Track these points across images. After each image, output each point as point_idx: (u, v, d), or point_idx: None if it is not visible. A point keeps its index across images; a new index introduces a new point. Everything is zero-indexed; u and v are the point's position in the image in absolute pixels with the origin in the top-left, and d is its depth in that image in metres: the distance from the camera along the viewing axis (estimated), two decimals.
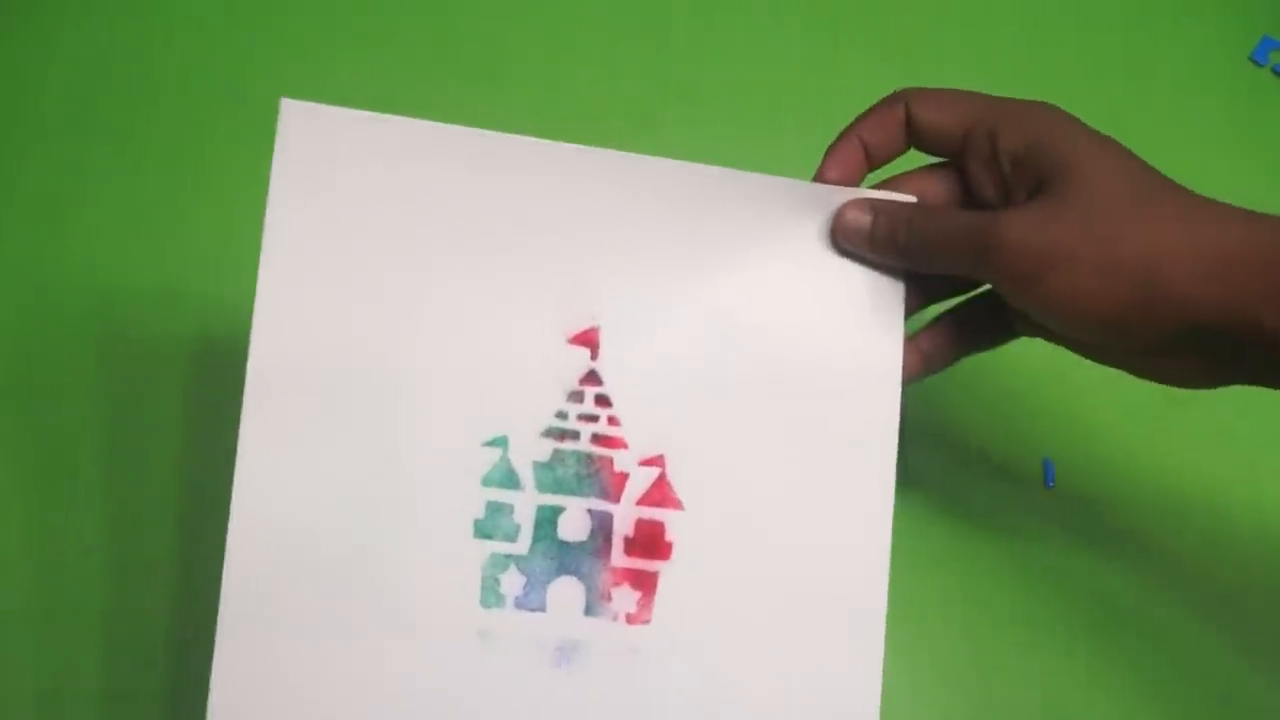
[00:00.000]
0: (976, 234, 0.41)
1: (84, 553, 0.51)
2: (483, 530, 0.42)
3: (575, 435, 0.43)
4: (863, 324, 0.44)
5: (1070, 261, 0.39)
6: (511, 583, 0.42)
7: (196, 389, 0.55)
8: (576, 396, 0.43)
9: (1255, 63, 0.64)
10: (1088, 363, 0.43)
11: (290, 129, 0.41)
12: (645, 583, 0.43)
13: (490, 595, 0.42)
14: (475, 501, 0.42)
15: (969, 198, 0.44)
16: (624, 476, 0.43)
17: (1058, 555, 0.55)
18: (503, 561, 0.42)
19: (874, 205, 0.44)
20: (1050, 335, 0.43)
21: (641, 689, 0.42)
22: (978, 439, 0.55)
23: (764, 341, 0.44)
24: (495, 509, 0.42)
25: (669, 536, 0.43)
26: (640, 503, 0.43)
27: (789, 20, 0.64)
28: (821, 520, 0.43)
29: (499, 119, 0.44)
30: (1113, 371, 0.42)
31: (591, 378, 0.43)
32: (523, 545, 0.42)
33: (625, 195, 0.43)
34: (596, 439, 0.43)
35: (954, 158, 0.44)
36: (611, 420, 0.43)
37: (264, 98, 0.44)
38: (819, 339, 0.44)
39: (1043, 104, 0.43)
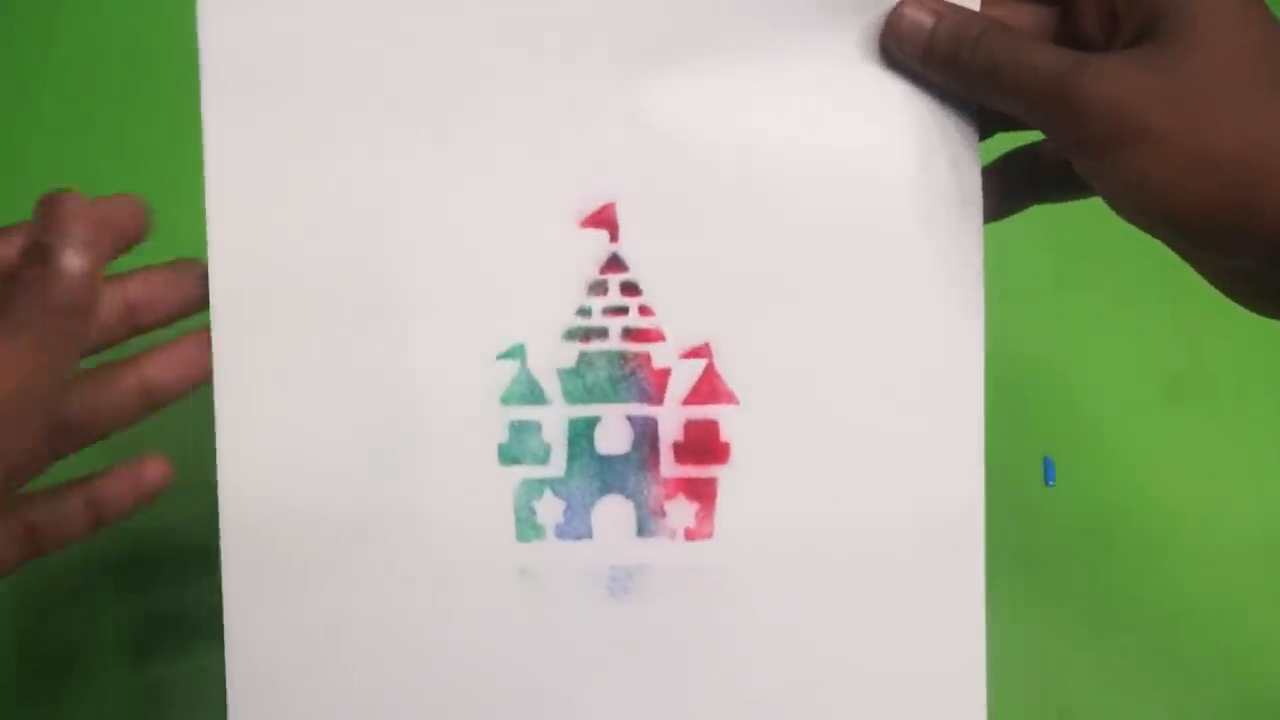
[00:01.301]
0: (1055, 75, 0.33)
1: None
2: (509, 454, 0.37)
3: (603, 333, 0.36)
4: (933, 162, 0.36)
5: (1157, 136, 0.32)
6: (549, 510, 0.37)
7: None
8: (599, 288, 0.36)
9: None
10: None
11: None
12: (703, 492, 0.37)
13: (527, 527, 0.37)
14: (496, 423, 0.36)
15: (1064, 38, 0.36)
16: (665, 373, 0.37)
17: (1058, 555, 0.54)
18: (536, 487, 0.37)
19: (940, 8, 0.35)
20: (1133, 218, 0.35)
21: (711, 611, 0.37)
22: None
23: (816, 189, 0.36)
24: (520, 429, 0.37)
25: (724, 436, 0.37)
26: (687, 401, 0.37)
27: None
28: (902, 400, 0.37)
29: None
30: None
31: (614, 263, 0.36)
32: (557, 466, 0.37)
33: (631, 25, 0.35)
34: (628, 334, 0.37)
35: None
36: (643, 310, 0.36)
37: None
38: (883, 182, 0.36)
39: None
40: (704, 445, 0.37)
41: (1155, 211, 0.33)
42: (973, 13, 0.35)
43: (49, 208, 0.30)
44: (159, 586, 0.50)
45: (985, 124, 0.37)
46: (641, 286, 0.36)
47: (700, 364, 0.37)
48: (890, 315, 0.36)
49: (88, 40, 0.58)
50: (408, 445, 0.36)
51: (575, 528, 0.37)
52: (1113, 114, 0.32)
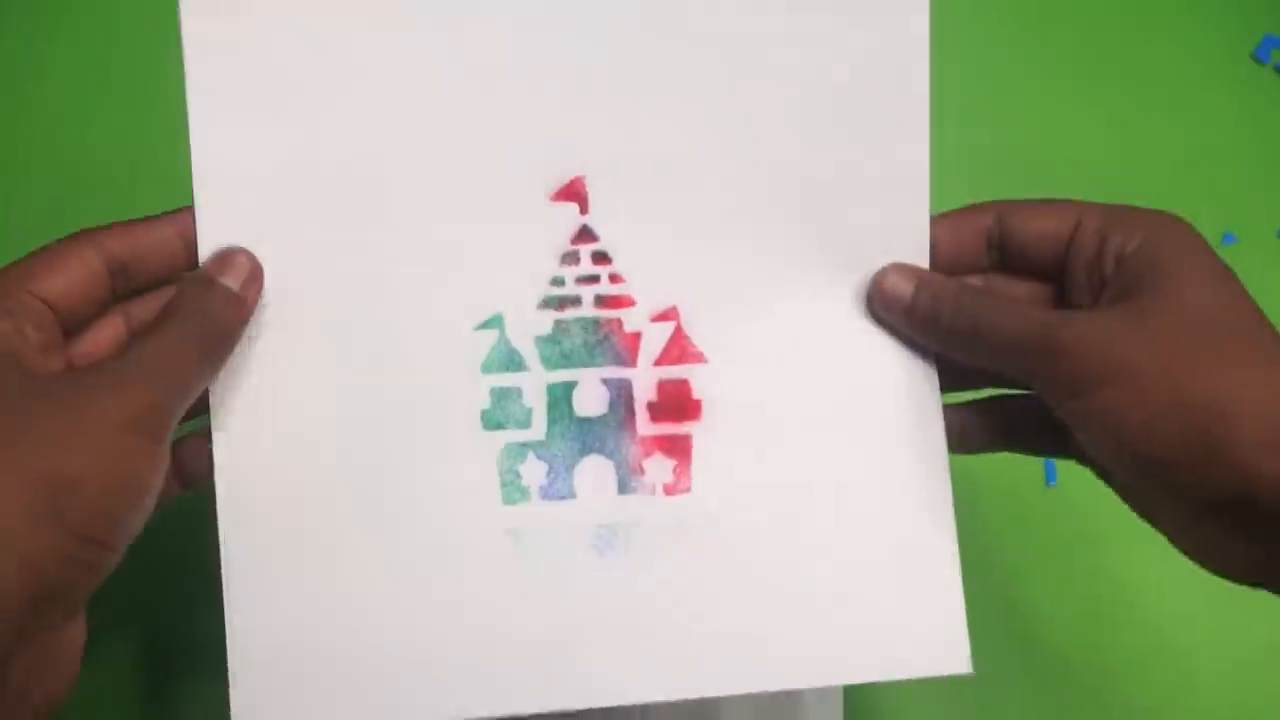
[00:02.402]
0: (1037, 328, 0.35)
1: None
2: (491, 420, 0.38)
3: (576, 301, 0.38)
4: (887, 132, 0.39)
5: (1132, 378, 0.34)
6: (533, 472, 0.38)
7: None
8: (571, 258, 0.38)
9: (1258, 60, 0.62)
10: None
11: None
12: (678, 448, 0.39)
13: (512, 490, 0.38)
14: (478, 391, 0.38)
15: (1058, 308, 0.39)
16: (637, 337, 0.39)
17: (1058, 555, 0.54)
18: (519, 451, 0.38)
19: (919, 275, 0.38)
20: (1094, 464, 0.37)
21: (692, 563, 0.38)
22: None
23: (773, 156, 0.38)
24: (501, 395, 0.38)
25: (696, 394, 0.39)
26: (659, 362, 0.39)
27: None
28: (864, 347, 0.39)
29: None
30: None
31: (585, 234, 0.38)
32: (538, 430, 0.38)
33: (594, 11, 0.38)
34: (600, 301, 0.38)
35: (1048, 272, 0.39)
36: (614, 278, 0.38)
37: None
38: (836, 151, 0.39)
39: (1168, 213, 0.37)
40: (677, 403, 0.39)
41: (1132, 447, 0.34)
42: (953, 280, 0.38)
43: (223, 255, 0.36)
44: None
45: (963, 381, 0.40)
46: (611, 255, 0.38)
47: (669, 326, 0.39)
48: (846, 267, 0.39)
49: (88, 40, 0.58)
50: (393, 415, 0.38)
51: (559, 488, 0.38)
52: (1093, 356, 0.34)
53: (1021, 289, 0.40)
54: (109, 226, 0.36)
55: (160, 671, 0.50)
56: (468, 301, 0.38)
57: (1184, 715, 0.53)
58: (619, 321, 0.39)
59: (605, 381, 0.39)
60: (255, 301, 0.37)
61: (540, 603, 0.38)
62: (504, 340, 0.38)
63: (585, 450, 0.38)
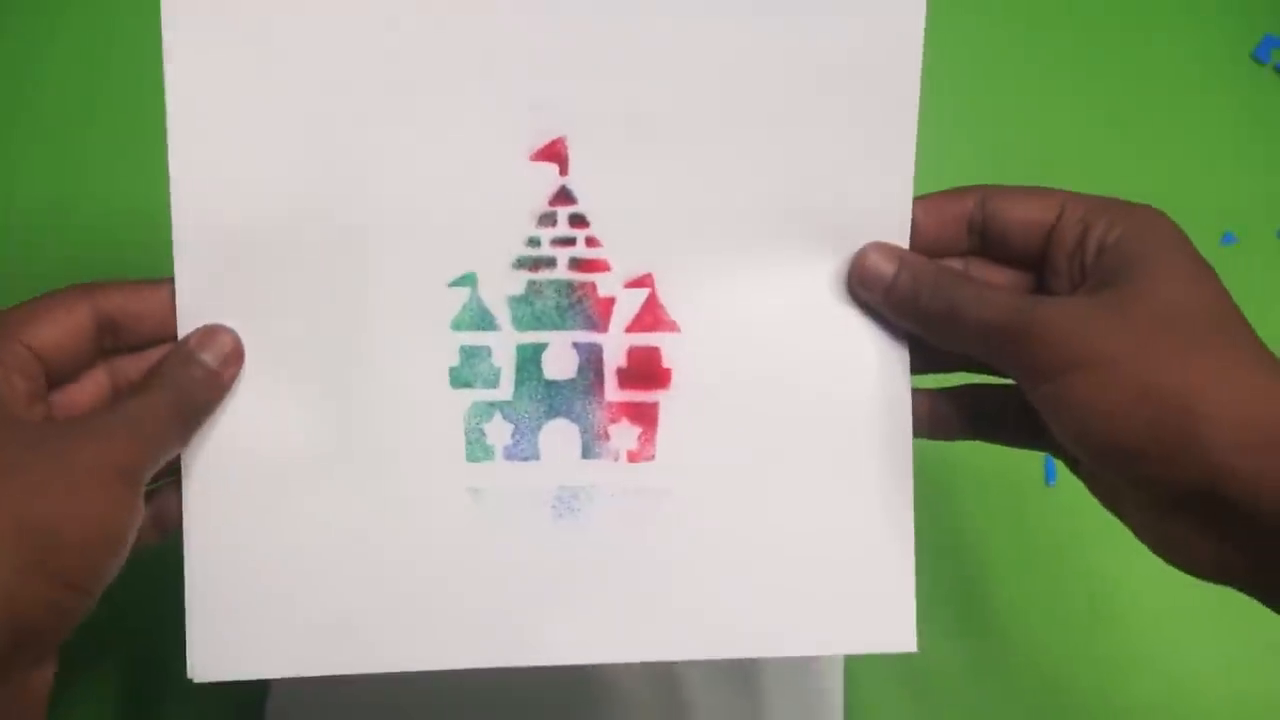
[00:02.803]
0: (1013, 307, 0.35)
1: None
2: (460, 378, 0.38)
3: (550, 263, 0.38)
4: (875, 109, 0.38)
5: (1106, 365, 0.33)
6: (498, 432, 0.38)
7: None
8: (548, 219, 0.38)
9: (1257, 60, 0.62)
10: None
11: None
12: (645, 416, 0.39)
13: (477, 448, 0.38)
14: (448, 348, 0.38)
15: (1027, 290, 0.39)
16: (610, 302, 0.38)
17: (1057, 553, 0.54)
18: (486, 410, 0.38)
19: (901, 255, 0.38)
20: (1064, 450, 0.37)
21: (652, 531, 0.38)
22: None
23: (758, 127, 0.38)
24: (470, 353, 0.38)
25: (666, 363, 0.39)
26: (631, 329, 0.39)
27: None
28: (836, 326, 0.39)
29: None
30: None
31: (563, 196, 0.38)
32: (506, 390, 0.38)
33: None
34: (575, 264, 0.38)
35: (1028, 259, 0.38)
36: (590, 241, 0.38)
37: None
38: (821, 124, 0.38)
39: (1150, 207, 0.37)
40: (646, 371, 0.39)
41: (1100, 434, 0.34)
42: (933, 261, 0.38)
43: (206, 332, 0.37)
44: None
45: (936, 364, 0.40)
46: (589, 219, 0.38)
47: (643, 293, 0.38)
48: (825, 244, 0.39)
49: (88, 40, 0.58)
50: (363, 370, 0.38)
51: (523, 449, 0.38)
52: (1067, 340, 0.34)
53: (1000, 275, 0.39)
54: (104, 283, 0.36)
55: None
56: (441, 258, 0.38)
57: (1183, 714, 0.53)
58: (593, 285, 0.38)
59: (576, 345, 0.39)
60: (232, 380, 0.37)
61: (497, 561, 0.38)
62: (476, 298, 0.38)
63: (552, 413, 0.39)
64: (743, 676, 0.50)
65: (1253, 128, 0.60)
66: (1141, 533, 0.36)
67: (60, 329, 0.35)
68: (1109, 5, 0.62)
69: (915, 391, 0.39)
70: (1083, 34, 0.61)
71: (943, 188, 0.39)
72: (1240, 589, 0.35)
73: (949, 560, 0.54)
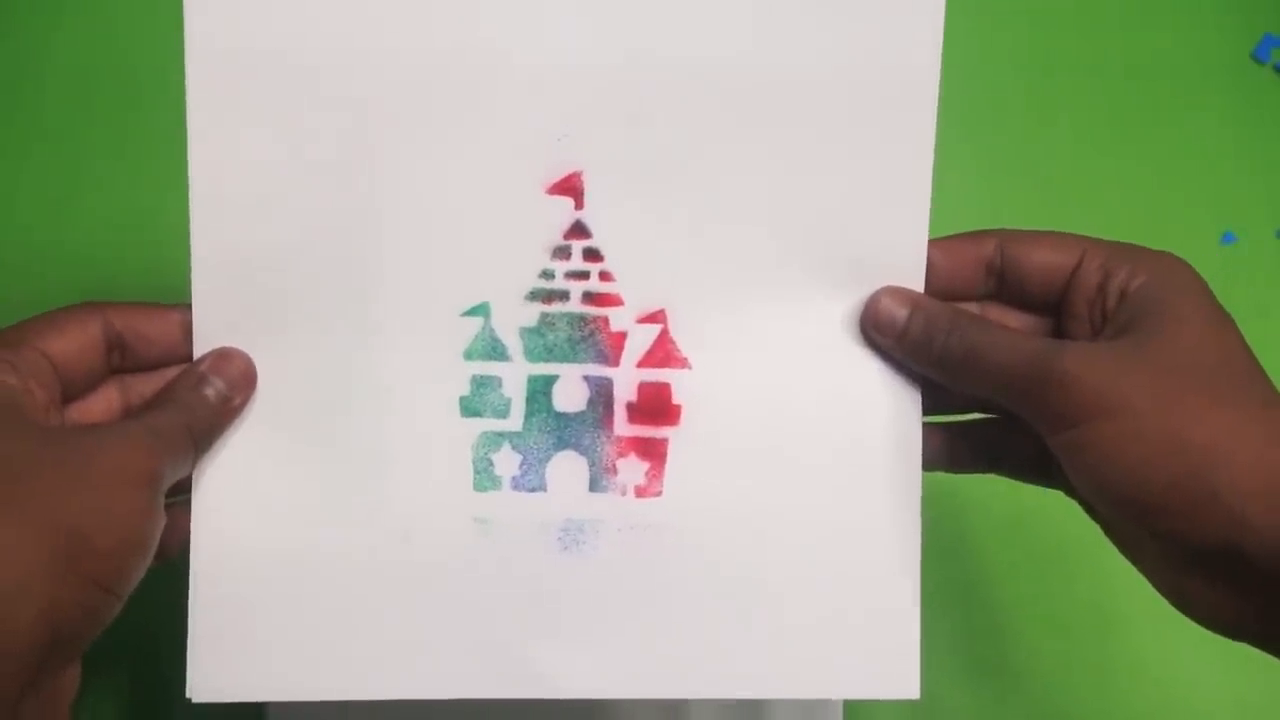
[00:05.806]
0: (1034, 352, 0.35)
1: None
2: (470, 408, 0.38)
3: (564, 295, 0.38)
4: (891, 151, 0.38)
5: (1132, 414, 0.33)
6: (506, 463, 0.38)
7: None
8: (562, 252, 0.38)
9: (1257, 60, 0.62)
10: None
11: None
12: (653, 452, 0.39)
13: (484, 478, 0.38)
14: (459, 377, 0.38)
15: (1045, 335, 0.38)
16: (622, 336, 0.39)
17: (1058, 553, 0.54)
18: (495, 440, 0.38)
19: (914, 299, 0.38)
20: (1083, 497, 0.37)
21: (656, 568, 0.38)
22: None
23: (773, 166, 0.38)
24: (482, 383, 0.38)
25: (676, 399, 0.39)
26: (642, 364, 0.39)
27: None
28: (847, 368, 0.39)
29: None
30: None
31: (578, 230, 0.38)
32: (515, 421, 0.38)
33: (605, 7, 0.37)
34: (588, 298, 0.38)
35: (1047, 304, 0.38)
36: (604, 276, 0.38)
37: None
38: (836, 164, 0.38)
39: (1172, 254, 0.37)
40: (656, 407, 0.39)
41: (1121, 486, 0.33)
42: (948, 305, 0.37)
43: (220, 356, 0.37)
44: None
45: (950, 405, 0.39)
46: (603, 253, 0.38)
47: (655, 329, 0.39)
48: (839, 284, 0.38)
49: (88, 42, 0.58)
50: (375, 399, 0.38)
51: (530, 480, 0.38)
52: (1091, 388, 0.33)
53: (1017, 319, 0.39)
54: (116, 303, 0.37)
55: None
56: (455, 287, 0.38)
57: (1185, 710, 0.53)
58: (605, 320, 0.38)
59: (586, 378, 0.39)
60: (243, 405, 0.37)
61: (500, 592, 0.38)
62: (488, 329, 0.38)
63: (560, 445, 0.39)
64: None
65: (1252, 128, 0.60)
66: (1157, 583, 0.36)
67: (74, 342, 0.36)
68: (1109, 5, 0.62)
69: (929, 425, 0.39)
70: (1082, 34, 0.62)
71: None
72: (1255, 645, 0.34)
73: (949, 558, 0.53)
